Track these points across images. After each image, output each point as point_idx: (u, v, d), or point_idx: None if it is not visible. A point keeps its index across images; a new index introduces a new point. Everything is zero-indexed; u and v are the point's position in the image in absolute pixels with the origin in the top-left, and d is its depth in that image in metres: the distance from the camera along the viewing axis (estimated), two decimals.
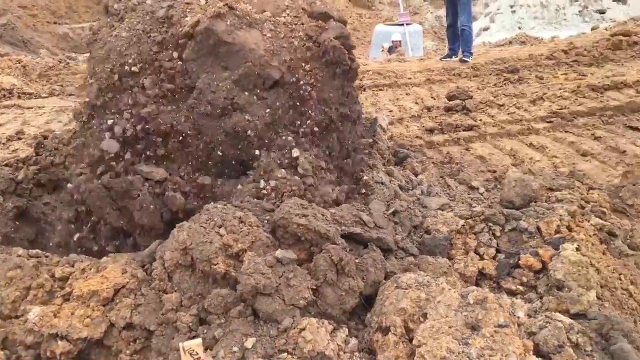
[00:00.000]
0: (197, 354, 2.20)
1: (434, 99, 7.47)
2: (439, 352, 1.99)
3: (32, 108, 8.21)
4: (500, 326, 2.08)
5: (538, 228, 3.20)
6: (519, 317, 2.25)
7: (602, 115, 5.73)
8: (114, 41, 3.27)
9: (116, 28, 3.36)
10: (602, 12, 19.27)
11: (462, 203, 3.84)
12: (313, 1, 3.52)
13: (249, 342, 2.25)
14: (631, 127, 5.38)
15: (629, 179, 4.14)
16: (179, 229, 2.60)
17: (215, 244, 2.50)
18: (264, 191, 2.98)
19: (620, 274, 3.17)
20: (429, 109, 6.83)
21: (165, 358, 2.33)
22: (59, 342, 2.32)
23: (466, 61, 9.34)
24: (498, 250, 3.14)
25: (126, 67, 3.17)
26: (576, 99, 6.18)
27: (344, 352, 2.28)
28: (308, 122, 3.24)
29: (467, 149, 5.43)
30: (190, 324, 2.37)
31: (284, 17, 3.36)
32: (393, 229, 2.99)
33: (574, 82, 6.81)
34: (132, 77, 3.18)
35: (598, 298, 2.77)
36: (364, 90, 8.14)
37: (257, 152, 3.13)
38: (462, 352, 2.00)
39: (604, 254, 3.25)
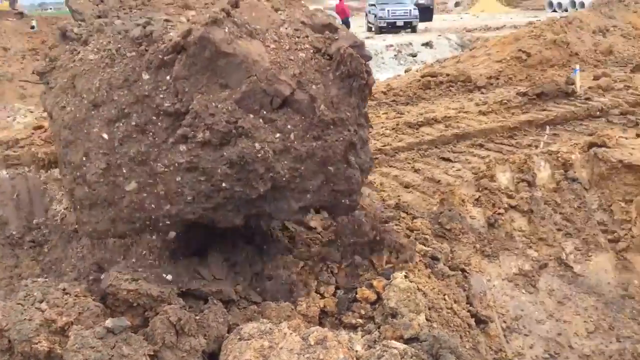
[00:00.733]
0: None
1: None
2: None
3: None
4: None
5: (371, 261, 3.41)
6: (357, 351, 2.36)
7: (419, 149, 6.34)
8: (79, 65, 2.76)
9: (80, 52, 2.83)
10: (414, 55, 21.59)
11: (301, 244, 3.95)
12: (313, 13, 3.18)
13: None
14: (443, 159, 6.02)
15: (445, 205, 4.63)
16: None
17: (36, 320, 2.28)
18: None
19: (444, 295, 3.50)
20: None
21: None
22: None
23: None
24: (337, 287, 3.27)
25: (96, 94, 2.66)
26: (397, 136, 6.76)
27: None
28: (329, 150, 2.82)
29: None
30: None
31: (284, 29, 2.96)
32: (233, 279, 2.97)
33: (393, 120, 7.45)
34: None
35: (427, 320, 3.02)
36: None
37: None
38: None
39: (429, 277, 3.57)
